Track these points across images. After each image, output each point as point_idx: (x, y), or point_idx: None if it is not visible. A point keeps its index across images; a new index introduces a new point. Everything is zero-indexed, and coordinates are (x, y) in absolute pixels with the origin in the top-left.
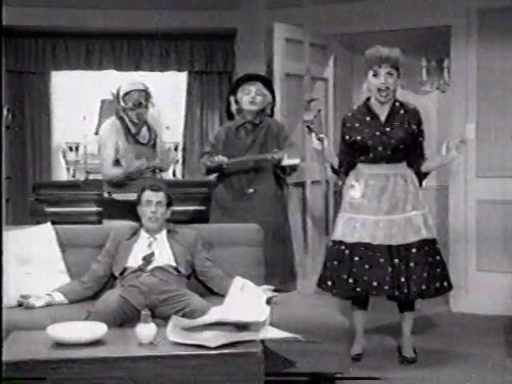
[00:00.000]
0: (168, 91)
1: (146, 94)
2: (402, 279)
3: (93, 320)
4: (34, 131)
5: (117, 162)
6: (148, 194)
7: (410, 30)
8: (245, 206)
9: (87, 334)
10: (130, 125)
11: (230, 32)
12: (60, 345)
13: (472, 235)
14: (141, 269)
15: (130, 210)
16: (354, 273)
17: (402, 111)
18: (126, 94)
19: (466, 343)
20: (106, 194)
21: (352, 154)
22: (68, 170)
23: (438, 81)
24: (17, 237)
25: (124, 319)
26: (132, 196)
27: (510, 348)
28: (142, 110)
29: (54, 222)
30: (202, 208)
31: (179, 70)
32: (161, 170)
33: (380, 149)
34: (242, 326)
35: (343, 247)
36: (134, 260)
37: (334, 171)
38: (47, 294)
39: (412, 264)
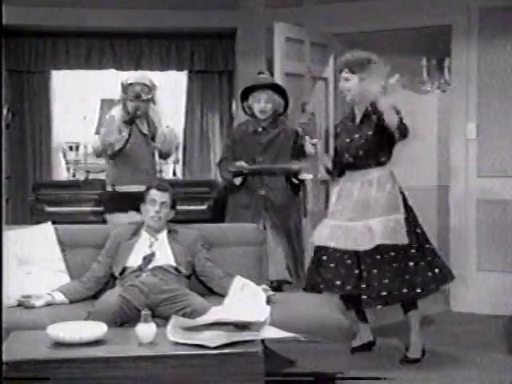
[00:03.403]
0: (168, 91)
1: (148, 88)
2: (363, 285)
3: (93, 320)
4: (34, 131)
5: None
6: (154, 193)
7: (410, 29)
8: (257, 207)
9: (87, 334)
10: (125, 114)
11: (230, 31)
12: (60, 344)
13: (472, 235)
14: (141, 268)
15: (133, 203)
16: (321, 271)
17: (373, 115)
18: (129, 85)
19: (465, 343)
20: (109, 188)
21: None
22: (68, 169)
23: (438, 80)
24: (17, 236)
25: (124, 319)
26: (135, 188)
27: (510, 348)
28: (141, 103)
29: (54, 222)
30: (203, 207)
31: (179, 69)
32: (161, 156)
33: (346, 155)
34: (242, 326)
35: (318, 249)
36: (135, 260)
37: (329, 173)
38: (47, 294)
39: (375, 270)
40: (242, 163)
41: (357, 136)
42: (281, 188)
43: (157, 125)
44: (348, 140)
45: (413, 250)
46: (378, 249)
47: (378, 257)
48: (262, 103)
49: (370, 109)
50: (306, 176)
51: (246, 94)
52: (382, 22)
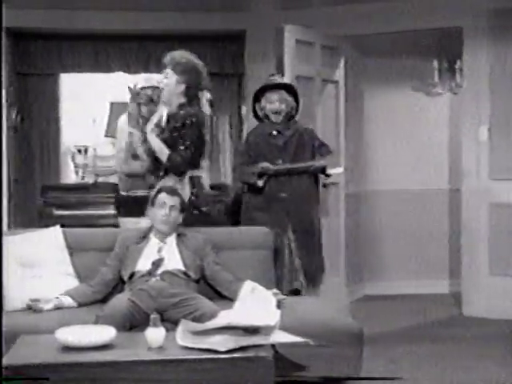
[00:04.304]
0: None
1: (159, 91)
2: None
3: (101, 324)
4: (42, 134)
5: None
6: (163, 197)
7: (421, 31)
8: (277, 210)
9: (96, 338)
10: (139, 118)
11: (239, 34)
12: (68, 348)
13: (484, 238)
14: (150, 273)
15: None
16: None
17: None
18: (141, 89)
19: (477, 347)
20: (122, 192)
21: None
22: (77, 172)
23: (449, 83)
24: (25, 240)
25: (133, 323)
26: (145, 192)
27: None
28: (155, 106)
29: (62, 225)
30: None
31: None
32: None
33: None
34: (252, 330)
35: None
36: (143, 264)
37: None
38: (56, 298)
39: None
40: (267, 164)
41: None
42: (302, 190)
43: None
44: None
45: None
46: None
47: None
48: (275, 104)
49: None
50: (336, 170)
51: (258, 96)
52: (392, 24)
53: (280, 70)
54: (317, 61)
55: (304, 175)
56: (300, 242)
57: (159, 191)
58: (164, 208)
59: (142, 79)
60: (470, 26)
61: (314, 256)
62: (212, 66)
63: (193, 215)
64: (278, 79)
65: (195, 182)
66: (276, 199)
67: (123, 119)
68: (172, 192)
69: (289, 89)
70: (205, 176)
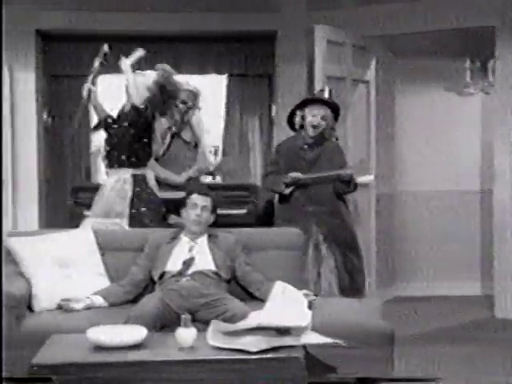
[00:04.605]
0: (207, 94)
1: (192, 94)
2: None
3: (132, 323)
4: (73, 134)
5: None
6: (195, 197)
7: (453, 30)
8: (306, 224)
9: (127, 338)
10: (170, 122)
11: (269, 34)
12: (100, 348)
13: None
14: (180, 273)
15: (174, 209)
16: None
17: None
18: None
19: (509, 349)
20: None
21: None
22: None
23: (482, 82)
24: (57, 240)
25: (164, 323)
26: (176, 195)
27: None
28: (187, 109)
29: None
30: (242, 211)
31: (219, 73)
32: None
33: None
34: (283, 331)
35: None
36: (174, 264)
37: None
38: (87, 297)
39: None
40: (297, 174)
41: None
42: (328, 201)
43: (199, 133)
44: None
45: None
46: None
47: None
48: (317, 118)
49: None
50: (365, 178)
51: (304, 105)
52: (424, 24)
53: (311, 71)
54: (348, 61)
55: (328, 188)
56: (331, 252)
57: (191, 192)
58: (196, 208)
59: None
60: (502, 25)
61: (350, 265)
62: (240, 67)
63: (130, 217)
64: (327, 94)
65: (138, 181)
66: (304, 212)
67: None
68: (204, 192)
69: (334, 108)
70: (150, 176)
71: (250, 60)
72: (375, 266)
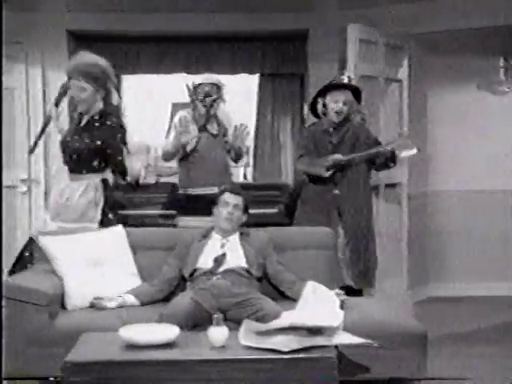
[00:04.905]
0: (239, 94)
1: (216, 87)
2: None
3: (165, 322)
4: None
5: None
6: (227, 196)
7: (486, 28)
8: (330, 209)
9: (159, 337)
10: (197, 115)
11: (301, 33)
12: (132, 346)
13: None
14: (211, 271)
15: (205, 206)
16: None
17: None
18: (198, 85)
19: None
20: (181, 191)
21: None
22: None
23: None
24: (89, 239)
25: (196, 322)
26: (207, 190)
27: None
28: (212, 102)
29: (124, 225)
30: (274, 211)
31: (250, 72)
32: (233, 158)
33: None
34: (315, 331)
35: None
36: (205, 261)
37: None
38: (119, 296)
39: None
40: (338, 155)
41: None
42: (355, 186)
43: (226, 125)
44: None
45: None
46: None
47: None
48: (339, 104)
49: None
50: (408, 152)
51: (323, 92)
52: (456, 22)
53: (343, 70)
54: (380, 60)
55: (355, 173)
56: (351, 240)
57: (223, 190)
58: (227, 207)
59: (201, 78)
60: None
61: (365, 253)
62: (274, 66)
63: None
64: (346, 79)
65: (107, 185)
66: (329, 197)
67: (177, 117)
68: (236, 191)
69: (355, 91)
70: (111, 180)
71: (281, 59)
72: (407, 266)
